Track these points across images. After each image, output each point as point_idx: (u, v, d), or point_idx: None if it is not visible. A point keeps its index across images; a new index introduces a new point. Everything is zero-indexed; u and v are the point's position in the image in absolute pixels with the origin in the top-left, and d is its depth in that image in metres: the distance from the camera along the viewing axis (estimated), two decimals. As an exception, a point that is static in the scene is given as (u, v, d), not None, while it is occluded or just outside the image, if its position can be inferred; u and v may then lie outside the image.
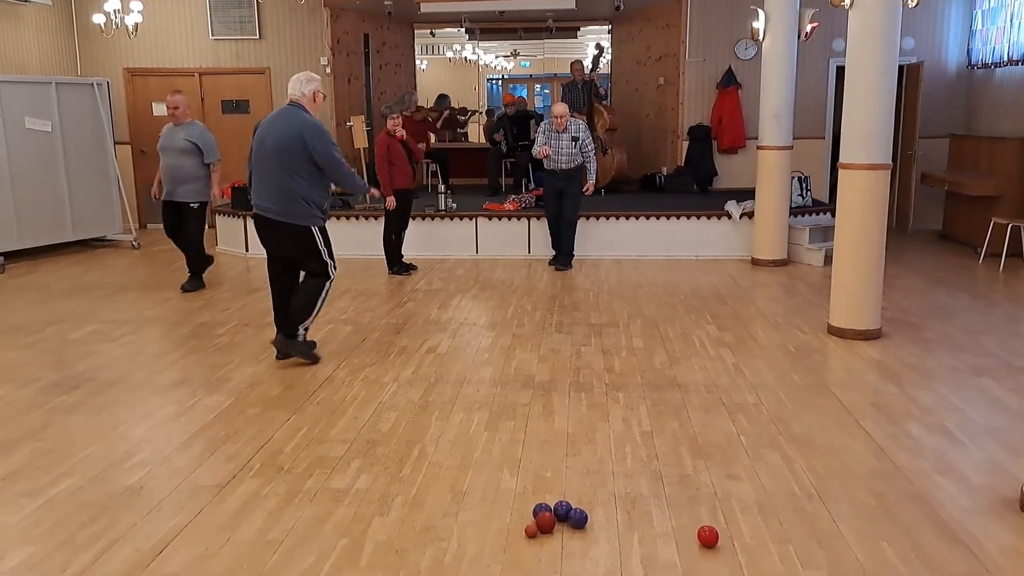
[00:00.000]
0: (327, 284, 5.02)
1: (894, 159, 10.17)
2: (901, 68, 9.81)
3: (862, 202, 5.58)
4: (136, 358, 5.30)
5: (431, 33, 12.74)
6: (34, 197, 8.65)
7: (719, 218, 8.50)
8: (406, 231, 7.91)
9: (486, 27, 11.89)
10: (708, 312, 6.39)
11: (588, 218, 8.52)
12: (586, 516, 3.11)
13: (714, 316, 6.26)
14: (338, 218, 8.54)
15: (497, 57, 19.58)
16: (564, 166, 7.94)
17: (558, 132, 7.86)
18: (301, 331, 5.06)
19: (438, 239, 8.58)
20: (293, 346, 5.05)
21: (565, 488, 3.45)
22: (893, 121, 5.60)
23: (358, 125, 8.88)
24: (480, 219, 8.58)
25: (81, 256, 8.93)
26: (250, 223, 8.62)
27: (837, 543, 3.04)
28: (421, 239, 8.44)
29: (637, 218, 8.48)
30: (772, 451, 3.84)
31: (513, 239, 8.55)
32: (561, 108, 7.96)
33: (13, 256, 8.52)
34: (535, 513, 3.10)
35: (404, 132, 7.46)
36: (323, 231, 4.96)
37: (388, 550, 2.98)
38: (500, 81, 21.19)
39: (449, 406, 4.38)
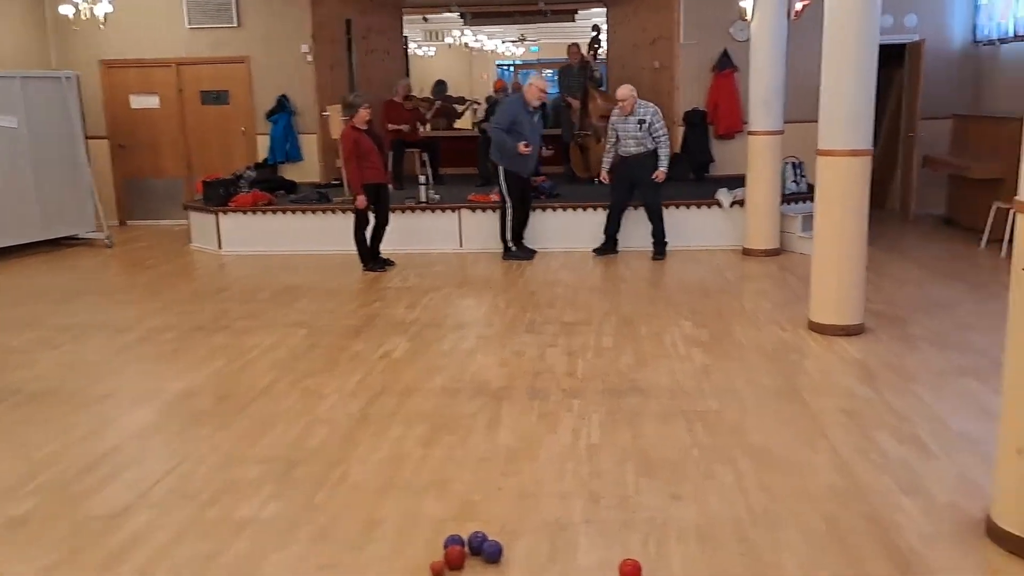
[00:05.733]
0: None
1: (895, 142, 9.92)
2: (902, 46, 9.42)
3: (842, 190, 5.26)
4: (72, 368, 5.08)
5: (424, 19, 12.45)
6: (0, 196, 8.43)
7: (709, 207, 8.18)
8: (387, 226, 7.63)
9: (478, 11, 11.57)
10: (688, 308, 6.10)
11: (575, 209, 8.25)
12: (500, 549, 2.88)
13: (693, 312, 5.98)
14: (315, 212, 8.35)
15: (504, 43, 19.23)
16: (633, 151, 7.70)
17: (624, 116, 7.64)
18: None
19: (420, 233, 8.30)
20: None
21: (492, 514, 3.22)
22: (874, 104, 5.26)
23: (334, 115, 8.62)
24: (464, 211, 8.31)
25: (51, 256, 8.72)
26: (223, 218, 8.53)
27: (775, 578, 2.79)
28: (401, 233, 8.16)
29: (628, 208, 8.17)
30: (725, 467, 3.58)
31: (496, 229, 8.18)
32: (625, 91, 7.66)
33: (-20, 257, 8.39)
34: (445, 546, 2.88)
35: (371, 121, 7.24)
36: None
37: (278, 591, 2.77)
38: (512, 68, 20.89)
39: (388, 419, 4.15)
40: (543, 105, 8.15)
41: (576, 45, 9.96)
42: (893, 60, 9.77)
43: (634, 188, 7.77)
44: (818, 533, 3.04)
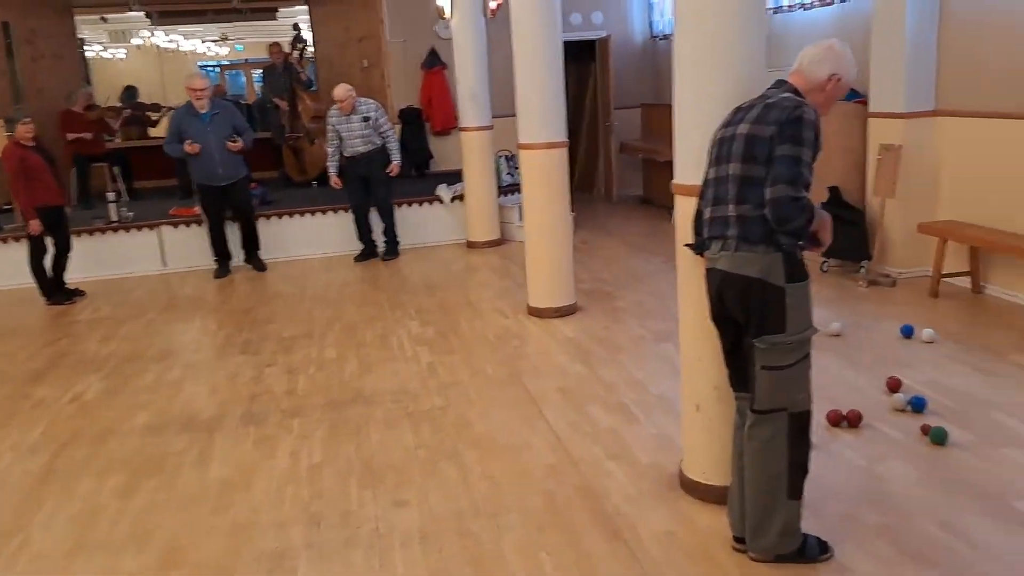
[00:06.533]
0: None
1: (596, 131, 10.71)
2: (592, 42, 10.16)
3: (543, 180, 5.53)
4: None
5: (102, 19, 11.26)
6: None
7: (431, 203, 8.26)
8: (69, 252, 6.77)
9: (165, 9, 10.68)
10: (414, 306, 6.10)
11: (292, 215, 7.93)
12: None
13: (419, 311, 5.98)
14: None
15: (204, 42, 17.99)
16: (361, 149, 7.40)
17: (346, 115, 7.32)
18: None
19: (114, 256, 7.48)
20: None
21: (203, 556, 2.95)
22: (564, 98, 5.58)
23: (-2, 131, 7.52)
24: (165, 228, 7.64)
25: None
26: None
27: (494, 565, 2.82)
28: (92, 258, 7.30)
29: (347, 210, 7.99)
30: (450, 463, 3.59)
31: (207, 246, 7.57)
32: (341, 90, 7.33)
33: None
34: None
35: (37, 138, 6.37)
36: None
37: None
38: (218, 69, 19.61)
39: (79, 471, 3.67)
40: (249, 107, 7.71)
41: (278, 44, 9.57)
42: (587, 55, 10.54)
43: (369, 187, 7.62)
44: (537, 512, 3.14)
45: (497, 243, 8.06)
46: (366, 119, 7.41)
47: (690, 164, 3.01)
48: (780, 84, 2.72)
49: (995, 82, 5.38)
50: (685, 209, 3.02)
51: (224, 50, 18.86)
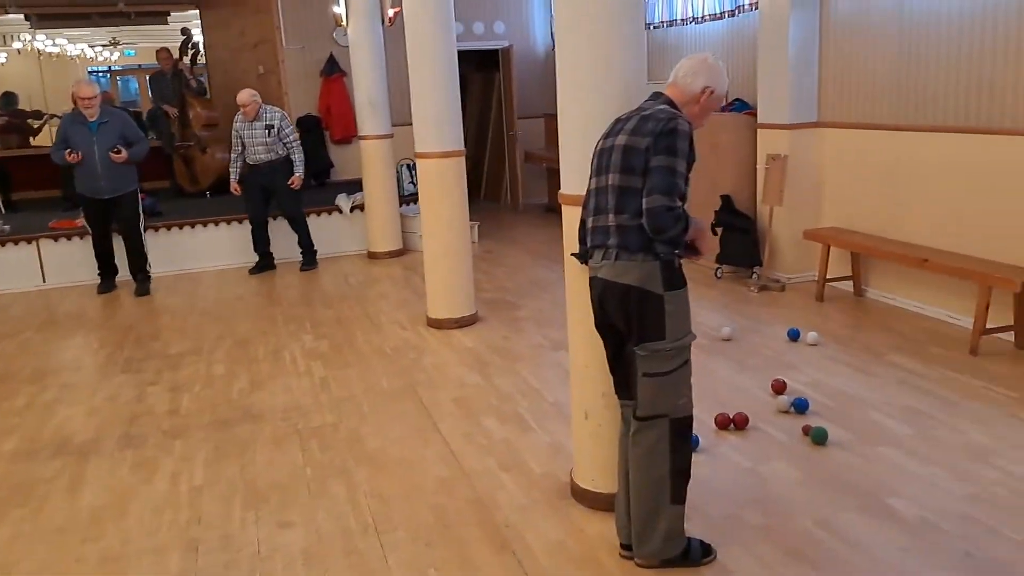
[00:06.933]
0: None
1: (502, 140, 10.75)
2: (495, 52, 10.20)
3: (440, 190, 5.49)
4: None
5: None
6: None
7: (330, 213, 8.09)
8: None
9: (46, 12, 10.15)
10: (310, 320, 5.94)
11: (183, 227, 7.63)
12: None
13: (315, 324, 5.84)
14: None
15: (93, 47, 17.21)
16: (263, 158, 7.17)
17: (249, 122, 7.10)
18: None
19: (-14, 273, 7.04)
20: None
21: (66, 591, 2.77)
22: (460, 108, 5.55)
23: None
24: (44, 241, 7.22)
25: None
26: None
27: (381, 585, 2.76)
28: (-37, 275, 6.88)
29: (240, 222, 7.75)
30: (338, 480, 3.49)
31: (90, 259, 7.13)
32: (245, 95, 7.12)
33: None
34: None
35: None
36: None
37: None
38: (108, 74, 18.78)
39: (-68, 506, 3.41)
40: (138, 115, 7.37)
41: (166, 50, 9.22)
42: (492, 65, 10.57)
43: (270, 198, 7.40)
44: (426, 528, 3.08)
45: (399, 253, 7.96)
46: (269, 127, 7.22)
47: (574, 175, 3.03)
48: (657, 96, 2.76)
49: (871, 95, 5.65)
50: (571, 219, 3.03)
51: (115, 55, 18.10)
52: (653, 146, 2.55)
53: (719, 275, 6.48)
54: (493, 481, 3.42)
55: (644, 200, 2.55)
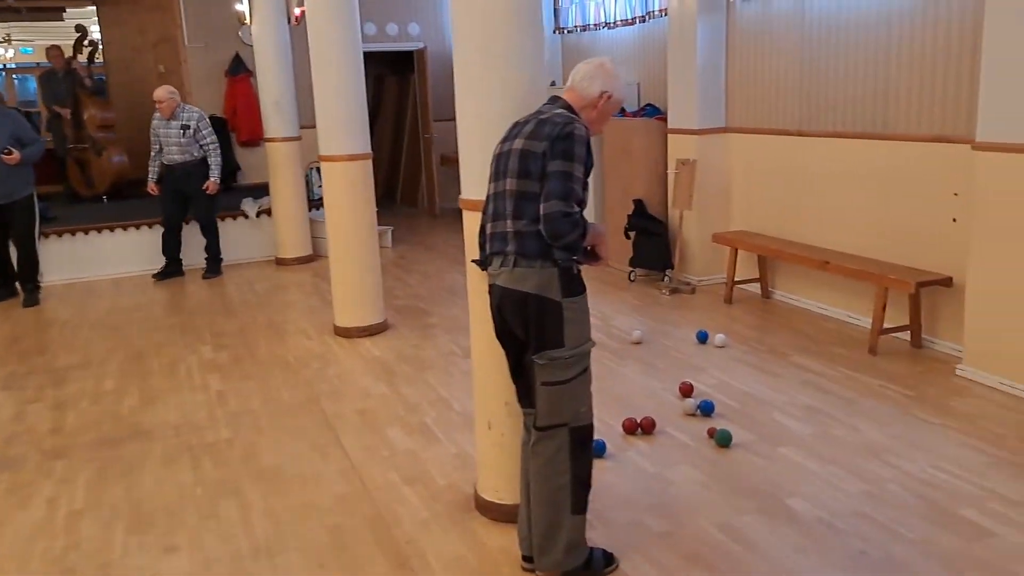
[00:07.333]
0: None
1: (418, 143, 10.61)
2: (410, 53, 10.06)
3: (347, 194, 5.34)
4: None
5: None
6: None
7: (235, 218, 7.81)
8: None
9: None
10: (210, 330, 5.70)
11: (76, 233, 7.24)
12: None
13: (216, 334, 5.59)
14: None
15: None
16: (178, 159, 6.90)
17: (165, 120, 6.83)
18: None
19: None
20: None
21: (-84, 635, 2.53)
22: (366, 109, 5.41)
23: None
24: (-77, 250, 6.74)
25: None
26: None
27: (269, 612, 2.61)
28: None
29: (138, 227, 7.40)
30: (230, 501, 3.32)
31: None
32: (162, 92, 6.82)
33: None
34: None
35: None
36: None
37: None
38: (2, 72, 17.80)
39: None
40: (29, 115, 6.94)
41: (57, 47, 8.75)
42: (407, 67, 10.42)
43: (187, 201, 7.10)
44: (320, 549, 2.94)
45: (309, 259, 7.75)
46: (185, 127, 6.95)
47: (474, 179, 2.96)
48: (555, 100, 2.71)
49: (776, 101, 5.77)
50: (471, 224, 2.96)
51: (10, 52, 17.18)
52: (550, 151, 2.50)
53: (632, 278, 6.51)
54: (395, 496, 3.30)
55: (541, 206, 2.49)
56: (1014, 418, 3.76)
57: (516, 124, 2.68)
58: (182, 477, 3.52)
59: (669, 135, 6.49)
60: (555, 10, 8.41)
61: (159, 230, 7.31)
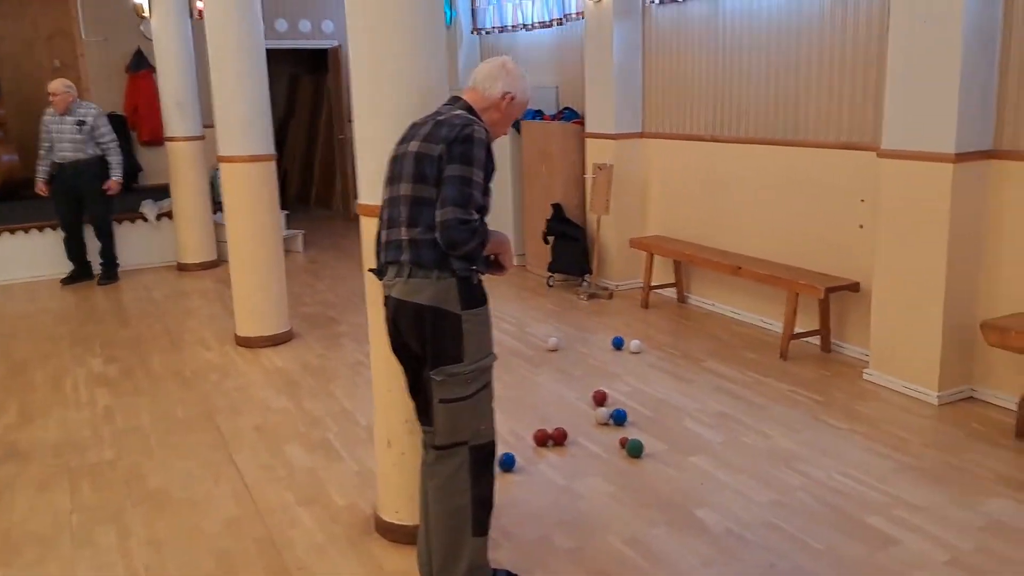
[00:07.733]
0: None
1: (330, 145, 10.32)
2: (324, 51, 9.77)
3: (249, 197, 5.08)
4: None
5: None
6: None
7: (133, 221, 7.40)
8: None
9: None
10: (101, 340, 5.34)
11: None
12: None
13: (107, 345, 5.25)
14: None
15: None
16: (71, 157, 6.46)
17: (59, 116, 6.40)
18: None
19: None
20: None
21: None
22: (269, 108, 5.17)
23: None
24: None
25: None
26: None
27: (141, 655, 2.39)
28: None
29: (27, 231, 6.93)
30: (109, 527, 3.06)
31: None
32: (58, 85, 6.40)
33: None
34: None
35: None
36: None
37: None
38: None
39: None
40: None
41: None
42: (323, 66, 10.11)
43: (81, 201, 6.69)
44: (205, 579, 2.73)
45: (212, 265, 7.40)
46: (81, 123, 6.55)
47: (369, 183, 2.79)
48: (455, 100, 2.57)
49: (690, 106, 5.77)
50: (369, 231, 2.79)
51: None
52: (447, 154, 2.35)
53: (551, 284, 6.43)
54: (289, 518, 3.10)
55: (437, 212, 2.34)
56: (917, 422, 3.81)
57: (414, 125, 2.53)
58: (58, 502, 3.24)
59: (586, 139, 6.43)
60: (472, 10, 8.29)
61: (51, 233, 6.87)
